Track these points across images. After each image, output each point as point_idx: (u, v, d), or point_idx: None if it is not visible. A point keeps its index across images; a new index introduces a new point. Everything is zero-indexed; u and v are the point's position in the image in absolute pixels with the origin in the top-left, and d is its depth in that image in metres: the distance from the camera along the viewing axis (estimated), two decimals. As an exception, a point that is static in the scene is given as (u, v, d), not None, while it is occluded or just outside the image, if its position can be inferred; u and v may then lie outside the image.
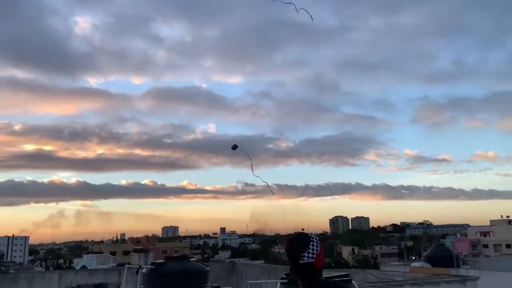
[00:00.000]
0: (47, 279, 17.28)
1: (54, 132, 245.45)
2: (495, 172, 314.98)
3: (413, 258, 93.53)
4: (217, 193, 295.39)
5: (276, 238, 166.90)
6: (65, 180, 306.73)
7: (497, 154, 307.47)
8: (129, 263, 15.40)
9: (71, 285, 16.68)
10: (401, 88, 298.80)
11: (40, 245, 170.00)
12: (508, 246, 75.13)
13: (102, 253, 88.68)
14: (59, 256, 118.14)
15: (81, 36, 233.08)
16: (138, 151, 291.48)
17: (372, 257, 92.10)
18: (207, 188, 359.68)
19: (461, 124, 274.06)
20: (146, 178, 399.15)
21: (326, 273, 4.80)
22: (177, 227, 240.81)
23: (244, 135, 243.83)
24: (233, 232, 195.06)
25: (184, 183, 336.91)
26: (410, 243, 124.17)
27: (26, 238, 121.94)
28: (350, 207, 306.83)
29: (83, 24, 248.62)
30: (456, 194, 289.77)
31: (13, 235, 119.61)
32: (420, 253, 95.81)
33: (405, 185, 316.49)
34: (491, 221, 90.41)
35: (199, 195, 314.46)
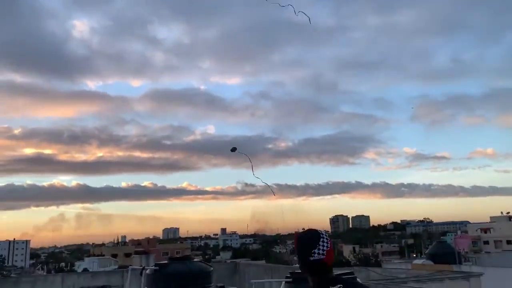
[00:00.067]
0: (50, 282, 17.25)
1: (54, 136, 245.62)
2: (494, 169, 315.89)
3: (414, 255, 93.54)
4: (217, 194, 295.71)
5: (277, 238, 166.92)
6: (65, 184, 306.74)
7: (496, 151, 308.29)
8: (130, 265, 15.40)
9: (74, 287, 16.67)
10: (400, 86, 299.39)
11: (41, 248, 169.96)
12: (508, 242, 75.21)
13: (104, 255, 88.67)
14: (60, 259, 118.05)
15: (79, 39, 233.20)
16: (137, 153, 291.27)
17: (373, 256, 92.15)
18: (207, 189, 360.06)
19: (460, 121, 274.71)
20: (146, 180, 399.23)
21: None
22: (178, 228, 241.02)
23: (244, 135, 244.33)
24: (234, 233, 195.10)
25: (184, 184, 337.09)
26: (410, 241, 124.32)
27: (27, 242, 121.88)
28: (350, 206, 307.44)
29: (81, 27, 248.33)
30: (456, 191, 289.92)
31: (14, 239, 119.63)
32: (421, 251, 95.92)
33: (405, 183, 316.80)
34: (491, 217, 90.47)
35: (200, 196, 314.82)
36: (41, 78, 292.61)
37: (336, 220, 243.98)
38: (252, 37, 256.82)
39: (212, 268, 10.02)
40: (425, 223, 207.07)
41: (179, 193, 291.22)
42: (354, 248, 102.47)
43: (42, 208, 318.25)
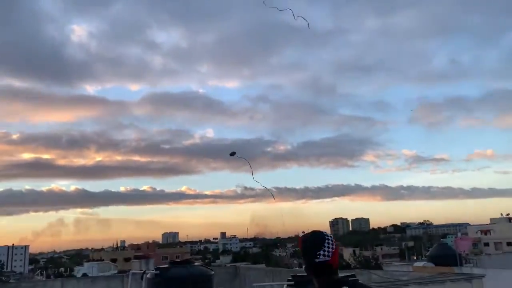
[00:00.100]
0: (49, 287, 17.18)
1: (52, 141, 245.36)
2: (493, 170, 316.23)
3: (415, 258, 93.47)
4: (216, 198, 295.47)
5: (277, 242, 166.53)
6: (64, 188, 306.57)
7: (495, 152, 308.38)
8: (130, 270, 15.32)
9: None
10: (398, 88, 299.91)
11: (40, 254, 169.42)
12: (509, 244, 75.11)
13: (103, 260, 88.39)
14: (59, 264, 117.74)
15: (77, 44, 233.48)
16: (136, 158, 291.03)
17: (373, 258, 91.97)
18: (207, 192, 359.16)
19: (458, 123, 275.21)
20: (145, 184, 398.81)
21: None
22: (177, 233, 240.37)
23: (243, 139, 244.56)
24: (234, 237, 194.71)
25: (184, 188, 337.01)
26: (411, 243, 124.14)
27: (26, 248, 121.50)
28: (350, 208, 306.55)
29: (79, 32, 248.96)
30: (455, 193, 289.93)
31: (13, 244, 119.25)
32: (421, 253, 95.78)
33: (404, 185, 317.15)
34: (491, 219, 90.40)
35: (199, 200, 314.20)
36: (39, 82, 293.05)
37: (336, 223, 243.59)
38: (250, 40, 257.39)
39: (213, 272, 9.97)
40: (425, 226, 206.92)
41: (178, 197, 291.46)
42: (354, 251, 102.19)
43: (41, 213, 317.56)
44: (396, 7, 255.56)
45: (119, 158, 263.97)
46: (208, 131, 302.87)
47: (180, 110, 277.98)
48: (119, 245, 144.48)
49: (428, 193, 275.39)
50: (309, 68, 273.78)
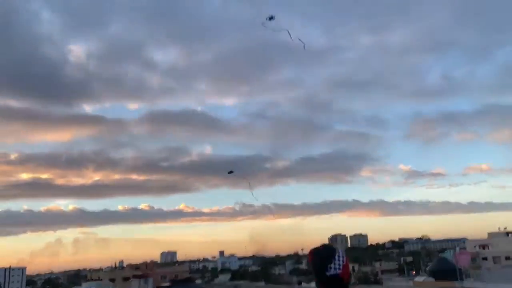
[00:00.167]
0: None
1: (51, 160, 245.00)
2: (490, 184, 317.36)
3: (414, 273, 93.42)
4: (214, 216, 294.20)
5: (276, 259, 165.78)
6: (62, 208, 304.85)
7: (491, 166, 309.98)
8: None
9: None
10: (393, 104, 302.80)
11: (38, 275, 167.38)
12: (507, 258, 75.34)
13: (101, 280, 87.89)
14: (57, 285, 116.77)
15: (75, 64, 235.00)
16: (134, 176, 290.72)
17: (372, 274, 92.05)
18: (205, 210, 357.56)
19: (453, 138, 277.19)
20: (143, 202, 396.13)
21: None
22: (176, 252, 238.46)
23: (241, 155, 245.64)
24: (232, 255, 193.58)
25: (182, 206, 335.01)
26: (409, 259, 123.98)
27: (23, 270, 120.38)
28: (348, 224, 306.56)
29: (77, 52, 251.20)
30: (452, 207, 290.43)
31: (10, 266, 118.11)
32: (420, 268, 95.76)
33: (402, 201, 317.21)
34: (489, 233, 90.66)
35: (197, 218, 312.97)
36: (37, 102, 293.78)
37: (334, 239, 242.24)
38: (246, 59, 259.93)
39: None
40: (423, 241, 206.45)
41: (176, 215, 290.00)
42: (353, 267, 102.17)
43: (39, 233, 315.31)
44: (390, 24, 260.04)
45: (117, 176, 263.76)
46: (206, 148, 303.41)
47: (178, 128, 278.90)
48: (117, 264, 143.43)
49: (425, 208, 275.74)
50: (305, 85, 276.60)
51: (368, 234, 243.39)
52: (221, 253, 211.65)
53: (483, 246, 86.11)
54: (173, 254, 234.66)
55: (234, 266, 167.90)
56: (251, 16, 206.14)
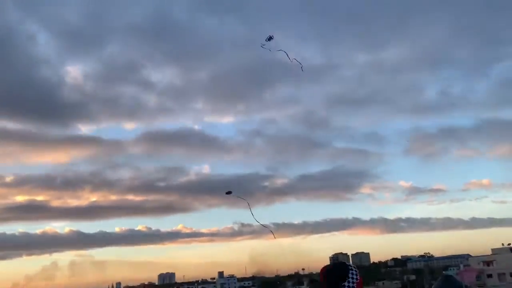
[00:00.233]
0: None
1: (46, 182, 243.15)
2: (491, 200, 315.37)
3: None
4: (213, 236, 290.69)
5: (277, 280, 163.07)
6: (58, 230, 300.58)
7: (492, 182, 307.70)
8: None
9: None
10: (391, 120, 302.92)
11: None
12: (512, 274, 73.79)
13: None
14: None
15: (72, 85, 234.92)
16: (131, 197, 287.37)
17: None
18: (203, 231, 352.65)
19: (453, 154, 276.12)
20: (140, 224, 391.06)
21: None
22: (174, 273, 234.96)
23: (239, 174, 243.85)
24: (232, 276, 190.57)
25: (180, 227, 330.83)
26: (412, 277, 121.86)
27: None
28: (350, 243, 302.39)
29: (74, 73, 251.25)
30: (454, 224, 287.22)
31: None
32: (423, 287, 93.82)
33: (403, 218, 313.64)
34: (492, 249, 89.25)
35: (196, 238, 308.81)
36: (33, 124, 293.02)
37: (336, 258, 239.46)
38: (243, 77, 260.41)
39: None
40: (426, 258, 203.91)
41: (174, 236, 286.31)
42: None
43: (35, 256, 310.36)
44: (386, 42, 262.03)
45: (114, 198, 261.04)
46: (204, 167, 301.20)
47: (176, 147, 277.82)
48: (115, 287, 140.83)
49: (427, 224, 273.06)
50: (303, 103, 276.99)
51: (369, 252, 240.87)
52: (220, 274, 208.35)
53: (487, 263, 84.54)
54: (171, 275, 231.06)
55: (234, 287, 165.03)
56: (247, 35, 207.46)
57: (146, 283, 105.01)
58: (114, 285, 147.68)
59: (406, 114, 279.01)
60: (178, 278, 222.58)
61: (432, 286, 29.77)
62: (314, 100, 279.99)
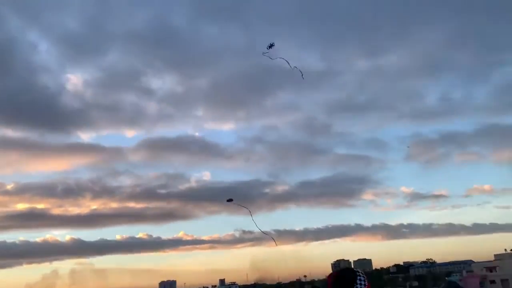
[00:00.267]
0: None
1: (47, 190, 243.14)
2: (494, 205, 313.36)
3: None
4: (214, 243, 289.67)
5: (278, 287, 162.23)
6: (58, 238, 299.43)
7: (494, 187, 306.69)
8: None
9: None
10: (392, 126, 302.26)
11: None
12: (516, 280, 73.24)
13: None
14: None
15: (73, 92, 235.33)
16: (132, 204, 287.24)
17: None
18: (204, 238, 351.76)
19: (454, 159, 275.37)
20: (141, 231, 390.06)
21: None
22: (175, 281, 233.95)
23: (240, 180, 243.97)
24: (233, 283, 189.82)
25: (180, 234, 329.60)
26: (415, 284, 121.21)
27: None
28: (351, 249, 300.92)
29: (75, 80, 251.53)
30: (456, 229, 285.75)
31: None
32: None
33: (405, 223, 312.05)
34: (495, 255, 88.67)
35: (197, 246, 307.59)
36: (34, 132, 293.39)
37: (337, 265, 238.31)
38: (243, 84, 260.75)
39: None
40: (429, 264, 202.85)
41: (175, 243, 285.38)
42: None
43: (35, 265, 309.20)
44: (386, 48, 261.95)
45: (114, 205, 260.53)
46: (204, 174, 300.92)
47: (176, 154, 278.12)
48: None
49: (429, 230, 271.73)
50: (303, 109, 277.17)
51: (372, 258, 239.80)
52: (222, 281, 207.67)
53: (490, 269, 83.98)
54: (172, 283, 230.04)
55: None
56: (247, 42, 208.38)
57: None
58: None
59: (407, 120, 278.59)
60: (179, 285, 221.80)
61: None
62: (315, 106, 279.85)
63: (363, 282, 2.55)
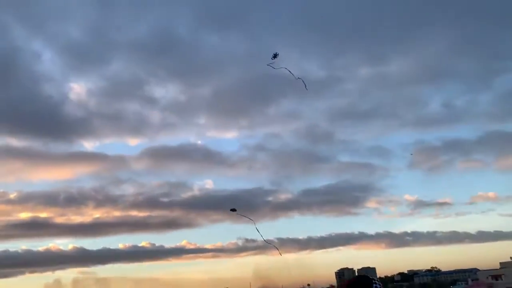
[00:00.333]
0: None
1: (50, 198, 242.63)
2: (498, 213, 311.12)
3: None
4: (217, 252, 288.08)
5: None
6: (61, 247, 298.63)
7: (498, 195, 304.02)
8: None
9: None
10: (395, 134, 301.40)
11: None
12: (522, 289, 72.61)
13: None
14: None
15: (76, 101, 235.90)
16: (135, 213, 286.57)
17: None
18: (207, 246, 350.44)
19: (458, 166, 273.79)
20: (144, 240, 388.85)
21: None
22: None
23: (243, 189, 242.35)
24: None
25: (183, 242, 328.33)
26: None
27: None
28: (356, 257, 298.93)
29: (78, 89, 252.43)
30: (461, 237, 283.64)
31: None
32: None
33: (409, 231, 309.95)
34: (501, 263, 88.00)
35: (200, 254, 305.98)
36: (37, 141, 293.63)
37: (341, 273, 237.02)
38: (246, 92, 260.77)
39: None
40: (433, 273, 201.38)
41: (178, 252, 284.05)
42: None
43: (37, 274, 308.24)
44: (388, 56, 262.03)
45: (117, 214, 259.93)
46: (207, 182, 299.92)
47: (179, 163, 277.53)
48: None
49: (433, 238, 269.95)
50: (306, 117, 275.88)
51: (376, 267, 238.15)
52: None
53: (496, 277, 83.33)
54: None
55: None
56: (249, 50, 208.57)
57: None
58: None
59: (410, 127, 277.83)
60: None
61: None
62: (318, 114, 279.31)
63: None
